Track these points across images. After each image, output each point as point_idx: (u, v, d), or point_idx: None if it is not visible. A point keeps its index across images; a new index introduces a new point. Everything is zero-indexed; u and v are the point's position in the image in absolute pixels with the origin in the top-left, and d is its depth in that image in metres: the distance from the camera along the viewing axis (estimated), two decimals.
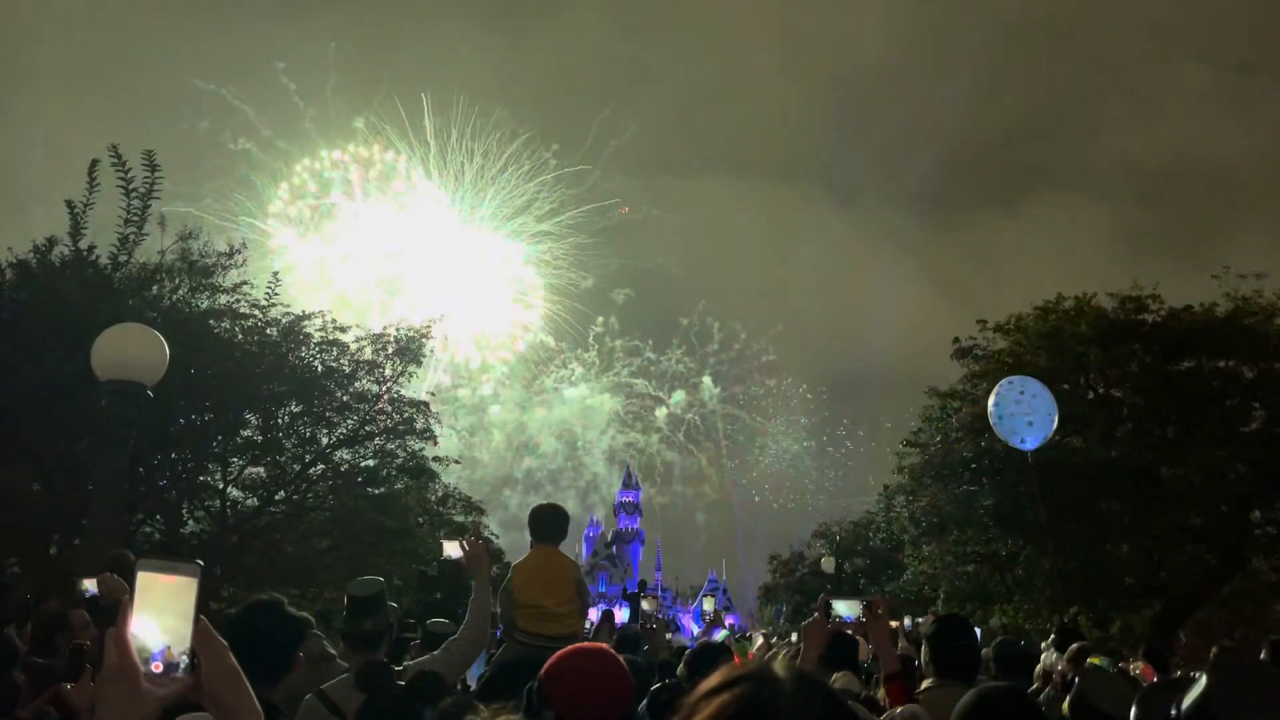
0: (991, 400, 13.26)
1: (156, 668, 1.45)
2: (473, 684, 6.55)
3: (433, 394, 21.99)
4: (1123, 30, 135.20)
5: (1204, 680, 2.27)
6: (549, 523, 6.44)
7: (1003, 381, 12.61)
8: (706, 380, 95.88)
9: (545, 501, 6.81)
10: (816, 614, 3.93)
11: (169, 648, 1.46)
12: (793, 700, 1.17)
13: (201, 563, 1.51)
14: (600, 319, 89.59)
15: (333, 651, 5.77)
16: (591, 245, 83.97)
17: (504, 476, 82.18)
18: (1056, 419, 14.42)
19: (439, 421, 20.52)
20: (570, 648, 2.94)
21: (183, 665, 1.46)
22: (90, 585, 6.54)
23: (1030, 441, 12.32)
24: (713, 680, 1.23)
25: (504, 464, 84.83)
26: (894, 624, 6.16)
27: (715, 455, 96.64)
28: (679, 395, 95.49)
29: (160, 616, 1.46)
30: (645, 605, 18.27)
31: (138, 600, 1.45)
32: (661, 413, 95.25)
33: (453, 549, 5.28)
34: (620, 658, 2.95)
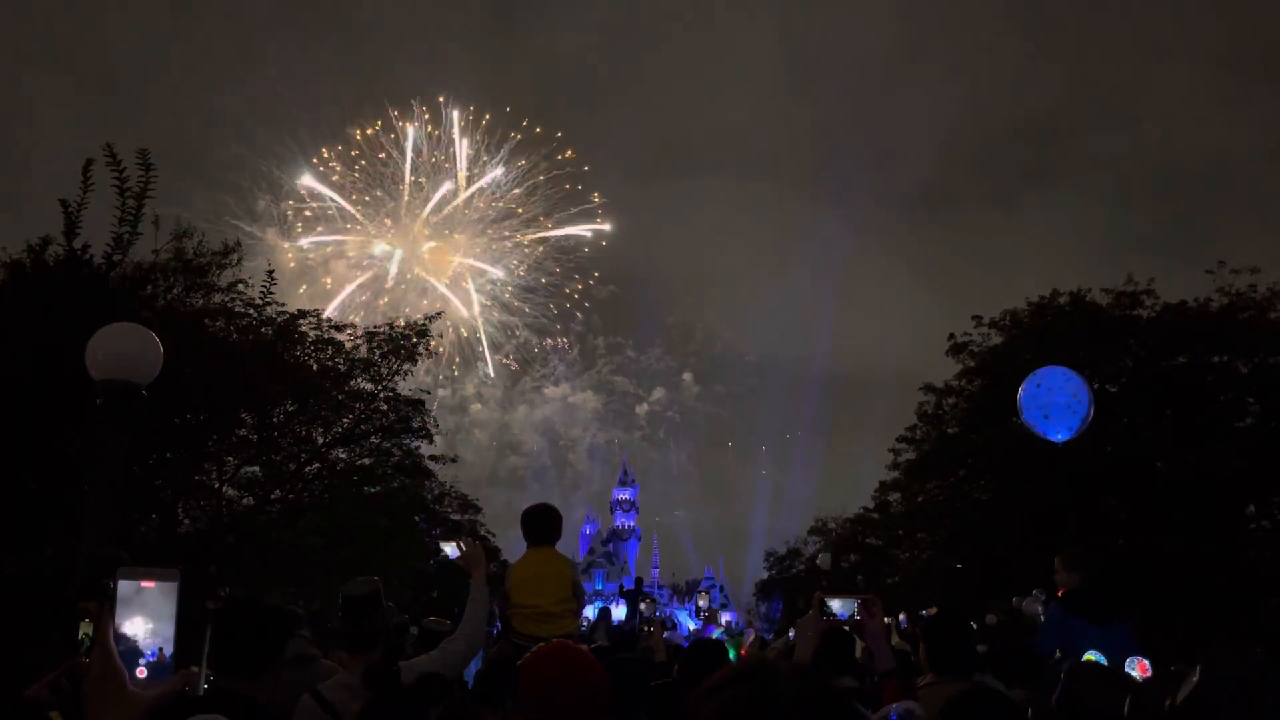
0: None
1: (141, 673, 1.47)
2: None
3: (427, 393, 22.00)
4: (1111, 30, 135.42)
5: (1197, 675, 2.28)
6: (542, 523, 6.39)
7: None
8: (687, 378, 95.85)
9: (536, 502, 6.75)
10: (811, 611, 3.94)
11: (160, 650, 1.48)
12: (795, 696, 1.18)
13: (179, 569, 1.54)
14: (581, 316, 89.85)
15: (316, 651, 5.77)
16: (579, 245, 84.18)
17: (488, 475, 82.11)
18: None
19: (436, 422, 20.57)
20: (551, 647, 2.90)
21: (168, 668, 1.48)
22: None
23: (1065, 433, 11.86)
24: (716, 677, 1.24)
25: (487, 463, 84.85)
26: (886, 620, 6.16)
27: (695, 452, 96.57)
28: (659, 392, 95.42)
29: (143, 622, 1.48)
30: (644, 608, 18.67)
31: (120, 608, 1.47)
32: (642, 410, 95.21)
33: (450, 549, 5.29)
34: (598, 662, 2.92)
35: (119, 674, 1.47)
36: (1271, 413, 22.27)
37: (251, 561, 17.20)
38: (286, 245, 72.54)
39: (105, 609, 1.51)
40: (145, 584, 1.52)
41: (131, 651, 1.49)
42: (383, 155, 79.64)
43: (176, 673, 1.51)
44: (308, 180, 77.08)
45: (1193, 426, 21.88)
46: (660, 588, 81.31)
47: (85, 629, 3.88)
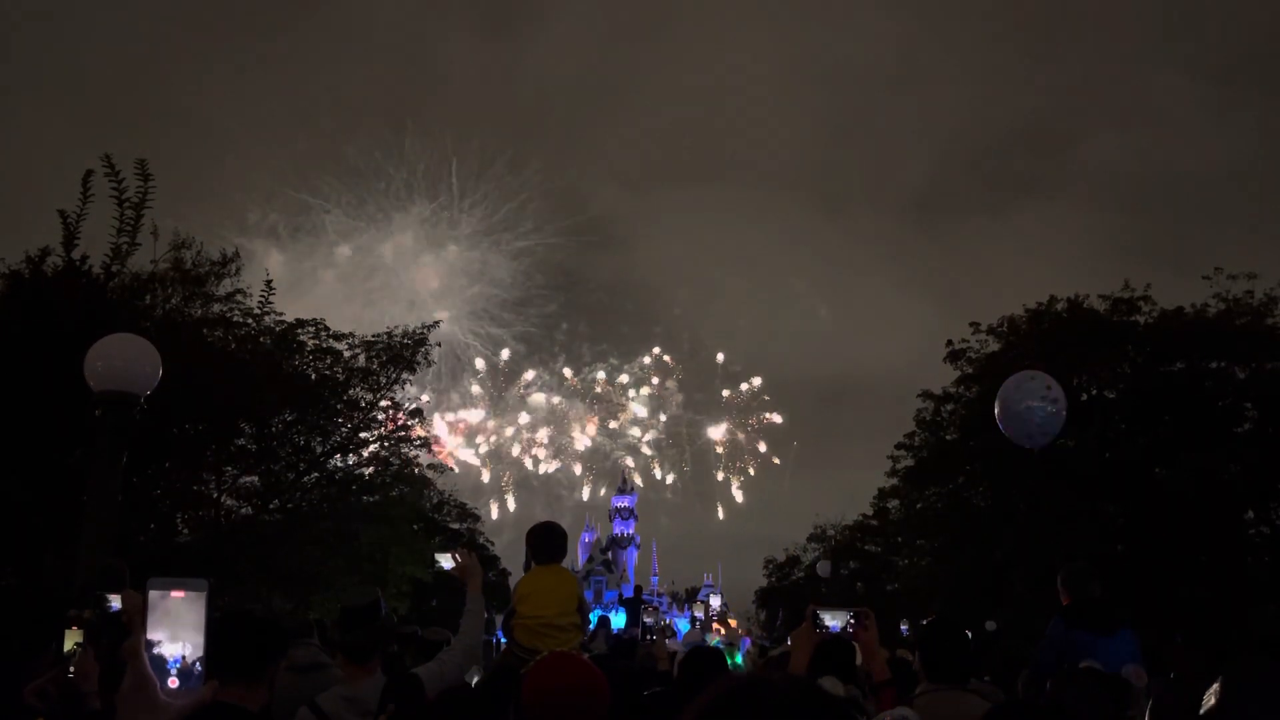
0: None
1: (173, 682, 1.50)
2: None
3: (425, 399, 22.02)
4: (1106, 39, 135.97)
5: (1220, 682, 2.30)
6: (548, 542, 6.47)
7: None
8: (671, 385, 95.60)
9: (541, 521, 6.83)
10: (804, 624, 3.97)
11: (184, 659, 1.51)
12: (783, 700, 1.21)
13: (209, 580, 1.56)
14: (565, 325, 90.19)
15: (328, 660, 5.76)
16: (569, 255, 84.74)
17: (473, 485, 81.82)
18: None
19: (435, 433, 20.57)
20: (553, 657, 2.92)
21: (198, 676, 1.51)
22: (115, 601, 6.46)
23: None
24: (711, 686, 1.28)
25: (475, 472, 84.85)
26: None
27: (676, 460, 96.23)
28: (644, 400, 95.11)
29: (172, 631, 1.51)
30: (648, 619, 18.93)
31: (150, 617, 1.50)
32: (627, 418, 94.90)
33: (445, 560, 5.29)
34: (601, 673, 2.95)
35: (151, 683, 1.50)
36: (1269, 418, 22.28)
37: (250, 571, 17.18)
38: (278, 256, 72.74)
39: (136, 619, 1.54)
40: (175, 594, 1.55)
41: (160, 660, 1.52)
42: (375, 168, 80.00)
43: (206, 682, 1.54)
44: (301, 193, 77.42)
45: (1191, 432, 21.89)
46: (660, 595, 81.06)
47: (74, 638, 3.86)
